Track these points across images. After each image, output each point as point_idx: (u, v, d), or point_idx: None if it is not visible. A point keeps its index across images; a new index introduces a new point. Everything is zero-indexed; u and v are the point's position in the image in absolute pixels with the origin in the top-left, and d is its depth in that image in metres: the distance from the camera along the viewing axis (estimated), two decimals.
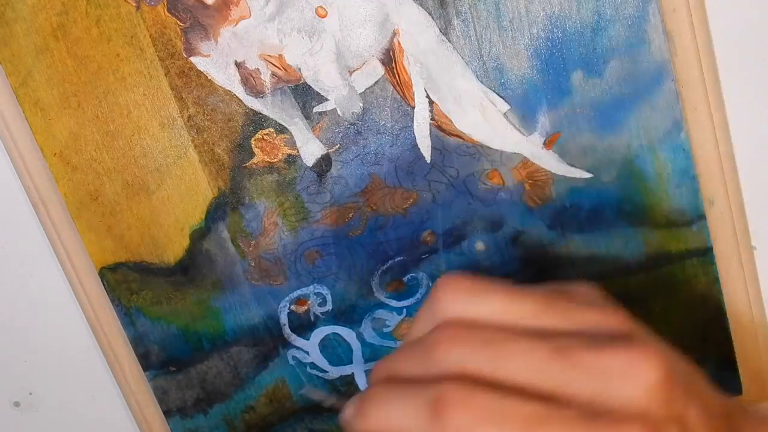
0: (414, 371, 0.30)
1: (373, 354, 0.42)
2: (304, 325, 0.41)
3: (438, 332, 0.30)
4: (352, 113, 0.37)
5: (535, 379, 0.28)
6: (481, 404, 0.27)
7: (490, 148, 0.38)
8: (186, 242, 0.39)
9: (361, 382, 0.42)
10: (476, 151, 0.38)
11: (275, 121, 0.37)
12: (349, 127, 0.37)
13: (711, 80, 0.37)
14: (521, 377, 0.28)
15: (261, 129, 0.37)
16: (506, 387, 0.28)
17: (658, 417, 0.28)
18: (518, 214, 0.39)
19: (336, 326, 0.41)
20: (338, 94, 0.37)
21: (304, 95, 0.37)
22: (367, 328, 0.41)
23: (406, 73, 0.36)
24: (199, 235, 0.39)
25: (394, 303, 0.41)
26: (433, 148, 0.38)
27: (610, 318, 0.30)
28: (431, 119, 0.37)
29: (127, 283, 0.40)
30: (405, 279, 0.40)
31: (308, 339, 0.42)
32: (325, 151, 0.38)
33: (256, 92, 0.37)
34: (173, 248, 0.39)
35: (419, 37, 0.36)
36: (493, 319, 0.30)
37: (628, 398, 0.27)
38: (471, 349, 0.29)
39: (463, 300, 0.30)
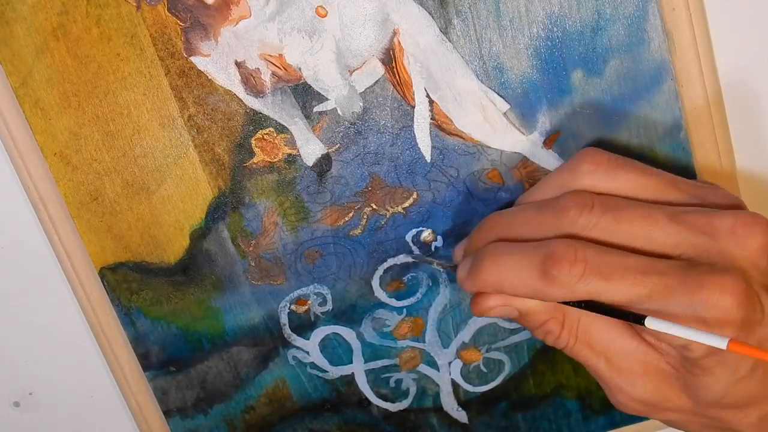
0: (532, 231, 0.32)
1: (373, 354, 0.42)
2: (304, 325, 0.41)
3: (570, 198, 0.31)
4: (353, 113, 0.37)
5: (650, 243, 0.30)
6: (589, 259, 0.29)
7: (490, 147, 0.38)
8: (186, 242, 0.39)
9: (361, 381, 0.42)
10: (476, 150, 0.38)
11: (275, 120, 0.37)
12: (349, 127, 0.37)
13: (711, 80, 0.37)
14: (637, 241, 0.30)
15: (261, 129, 0.37)
16: (620, 247, 0.30)
17: (759, 277, 0.29)
18: None
19: (336, 326, 0.41)
20: (338, 94, 0.37)
21: (305, 95, 0.37)
22: (367, 328, 0.41)
23: (406, 73, 0.36)
24: (199, 235, 0.39)
25: (394, 303, 0.41)
26: (433, 147, 0.38)
27: (728, 196, 0.32)
28: (431, 119, 0.37)
29: (127, 283, 0.40)
30: (405, 279, 0.40)
31: (308, 339, 0.42)
32: (326, 151, 0.38)
33: (257, 92, 0.37)
34: (173, 248, 0.39)
35: (419, 36, 0.36)
36: (623, 192, 0.32)
37: (732, 257, 0.29)
38: (597, 214, 0.30)
39: (600, 172, 0.32)
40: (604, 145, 0.37)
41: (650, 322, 0.28)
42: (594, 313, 0.31)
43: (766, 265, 0.29)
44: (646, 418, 0.43)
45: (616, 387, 0.33)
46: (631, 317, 0.29)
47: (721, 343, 0.26)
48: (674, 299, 0.28)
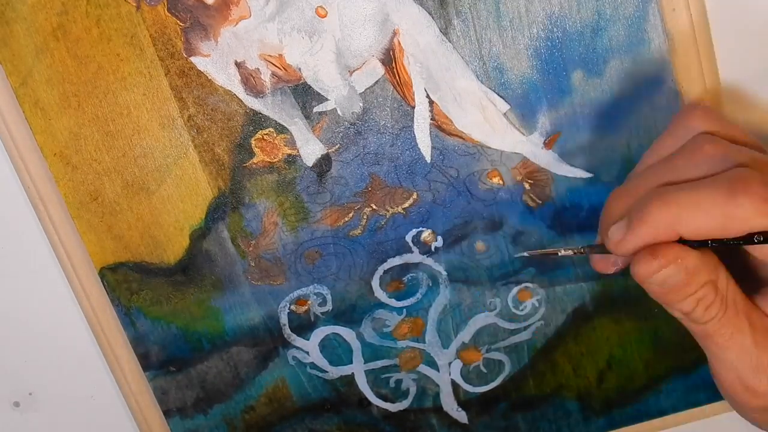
0: (687, 173, 0.30)
1: (373, 354, 0.42)
2: (304, 325, 0.41)
3: (697, 139, 0.30)
4: (352, 113, 0.37)
5: None
6: None
7: (490, 147, 0.38)
8: (186, 242, 0.39)
9: (361, 381, 0.42)
10: (476, 150, 0.38)
11: (275, 121, 0.37)
12: (349, 127, 0.37)
13: (711, 80, 0.37)
14: None
15: (261, 129, 0.37)
16: None
17: None
18: (518, 214, 0.39)
19: (336, 326, 0.41)
20: (338, 94, 0.37)
21: (304, 95, 0.37)
22: (367, 328, 0.41)
23: (406, 73, 0.36)
24: (199, 235, 0.39)
25: (394, 303, 0.41)
26: (433, 147, 0.38)
27: None
28: (431, 119, 0.37)
29: (127, 283, 0.40)
30: (405, 279, 0.40)
31: (308, 339, 0.42)
32: (325, 151, 0.38)
33: (256, 92, 0.37)
34: (173, 248, 0.39)
35: (419, 36, 0.36)
36: (737, 138, 0.30)
37: None
38: (734, 149, 0.29)
39: (713, 120, 0.31)
40: (603, 147, 0.37)
41: None
42: (735, 282, 0.29)
43: None
44: (647, 419, 0.43)
45: (763, 366, 0.30)
46: None
47: None
48: None
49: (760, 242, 0.28)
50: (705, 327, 0.30)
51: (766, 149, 0.31)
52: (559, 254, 0.35)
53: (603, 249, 0.32)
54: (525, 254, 0.38)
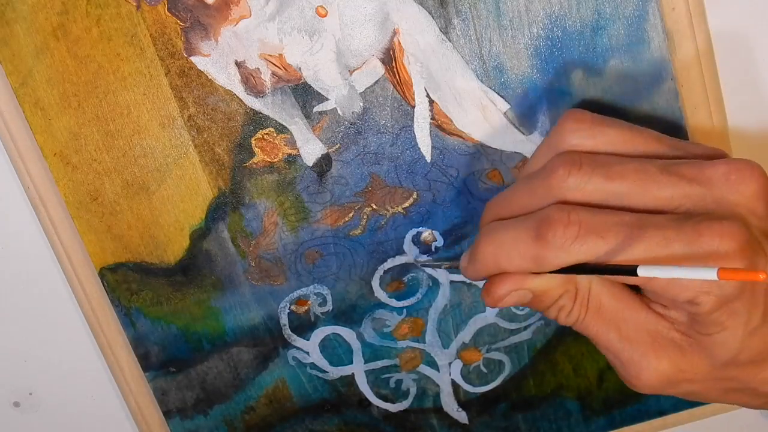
0: (526, 203, 0.32)
1: (373, 354, 0.42)
2: (304, 326, 0.41)
3: (556, 159, 0.31)
4: (353, 113, 0.37)
5: (643, 197, 0.29)
6: (583, 219, 0.29)
7: (491, 147, 0.38)
8: (186, 242, 0.39)
9: (361, 381, 0.42)
10: (476, 150, 0.38)
11: (275, 120, 0.37)
12: (349, 127, 0.37)
13: (711, 80, 0.37)
14: (631, 198, 0.30)
15: (261, 129, 0.37)
16: (614, 207, 0.30)
17: (758, 223, 0.29)
18: None
19: (336, 326, 0.41)
20: (338, 94, 0.37)
21: (305, 95, 0.37)
22: (367, 328, 0.41)
23: (407, 73, 0.36)
24: (199, 235, 0.39)
25: (394, 303, 0.41)
26: (434, 147, 0.38)
27: (712, 149, 0.32)
28: (431, 119, 0.37)
29: (127, 283, 0.40)
30: (405, 279, 0.40)
31: (308, 339, 0.42)
32: (326, 151, 0.38)
33: (257, 92, 0.37)
34: (173, 248, 0.39)
35: (419, 36, 0.36)
36: (609, 149, 0.31)
37: (729, 204, 0.29)
38: (587, 173, 0.30)
39: (584, 130, 0.32)
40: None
41: (642, 270, 0.27)
42: (603, 283, 0.31)
43: (763, 210, 0.29)
44: (647, 419, 0.43)
45: (629, 360, 0.32)
46: (624, 270, 0.28)
47: (710, 274, 0.25)
48: (673, 251, 0.28)
49: (589, 273, 0.30)
50: (573, 327, 0.33)
51: (641, 130, 0.32)
52: (443, 267, 0.39)
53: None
54: (415, 263, 0.40)
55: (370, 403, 0.43)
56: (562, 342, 0.41)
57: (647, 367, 0.31)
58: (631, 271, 0.27)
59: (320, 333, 0.41)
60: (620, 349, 0.32)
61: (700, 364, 0.31)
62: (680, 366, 0.31)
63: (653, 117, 0.37)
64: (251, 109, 0.37)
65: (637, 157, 0.31)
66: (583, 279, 0.32)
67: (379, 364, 0.42)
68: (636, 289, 0.33)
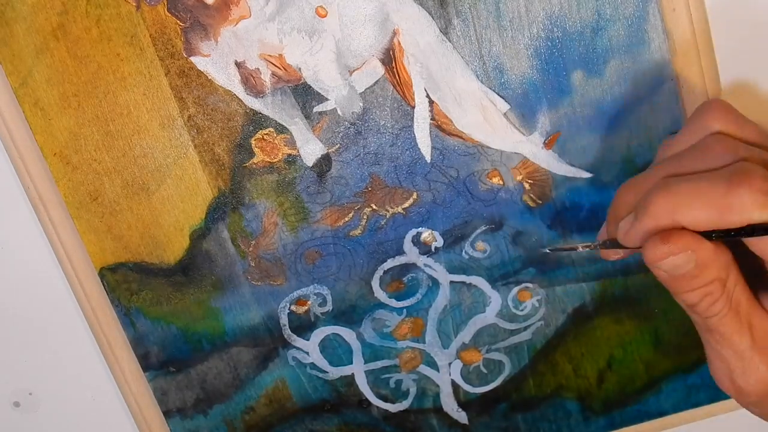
0: (693, 167, 0.30)
1: (373, 354, 0.42)
2: (304, 326, 0.41)
3: (714, 138, 0.30)
4: (352, 113, 0.37)
5: None
6: None
7: (490, 147, 0.38)
8: (186, 242, 0.39)
9: (361, 382, 0.42)
10: (476, 150, 0.38)
11: (275, 121, 0.37)
12: (349, 127, 0.37)
13: (711, 80, 0.37)
14: None
15: (261, 129, 0.37)
16: None
17: None
18: (518, 214, 0.39)
19: (336, 326, 0.41)
20: (338, 94, 0.37)
21: (304, 95, 0.37)
22: (367, 329, 0.41)
23: (406, 73, 0.36)
24: (199, 235, 0.39)
25: (394, 303, 0.41)
26: (433, 147, 0.38)
27: None
28: (431, 119, 0.37)
29: (127, 283, 0.40)
30: (405, 279, 0.40)
31: (308, 339, 0.42)
32: (325, 151, 0.38)
33: (256, 92, 0.37)
34: (173, 248, 0.39)
35: (419, 36, 0.36)
36: (751, 139, 0.31)
37: None
38: (743, 148, 0.29)
39: (731, 121, 0.31)
40: (603, 147, 0.37)
41: None
42: (744, 283, 0.30)
43: None
44: (647, 419, 0.43)
45: (754, 368, 0.31)
46: None
47: None
48: None
49: (760, 234, 0.28)
50: (706, 321, 0.31)
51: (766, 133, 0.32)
52: (579, 249, 0.35)
53: (615, 243, 0.32)
54: (546, 250, 0.39)
55: (370, 403, 0.43)
56: (562, 342, 0.41)
57: (765, 376, 0.31)
58: None
59: (320, 333, 0.41)
60: (749, 357, 0.31)
61: None
62: None
63: (653, 117, 0.37)
64: (251, 109, 0.37)
65: None
66: (734, 272, 0.30)
67: (379, 364, 0.42)
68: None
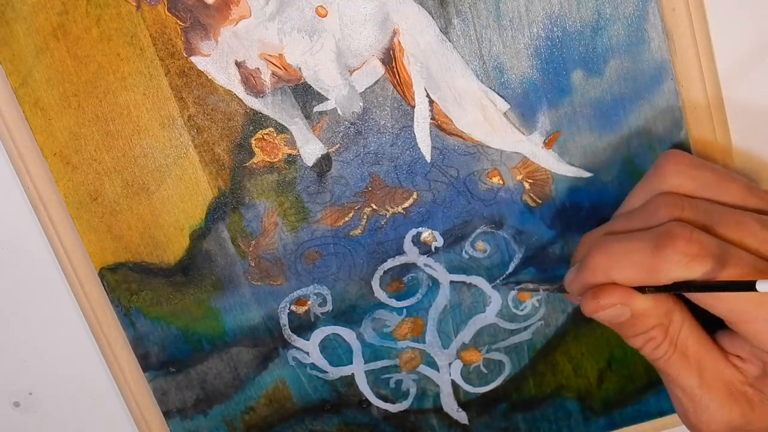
0: (633, 227, 0.32)
1: (373, 354, 0.42)
2: (304, 326, 0.41)
3: (659, 198, 0.32)
4: (353, 113, 0.37)
5: (744, 242, 0.30)
6: (703, 240, 0.29)
7: (490, 147, 0.38)
8: (186, 242, 0.39)
9: (361, 382, 0.42)
10: (476, 150, 0.38)
11: (275, 120, 0.37)
12: (349, 127, 0.37)
13: (711, 80, 0.37)
14: (734, 241, 0.30)
15: (261, 129, 0.37)
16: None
17: None
18: (518, 214, 0.39)
19: (336, 326, 0.41)
20: (338, 94, 0.37)
21: (305, 95, 0.37)
22: (367, 329, 0.41)
23: (407, 73, 0.36)
24: (199, 235, 0.39)
25: (394, 303, 0.41)
26: (433, 147, 0.38)
27: None
28: (431, 119, 0.37)
29: (127, 283, 0.40)
30: (405, 279, 0.40)
31: (308, 339, 0.42)
32: (326, 151, 0.38)
33: (257, 92, 0.37)
34: (173, 248, 0.39)
35: (419, 36, 0.36)
36: (706, 193, 0.32)
37: None
38: (690, 214, 0.31)
39: (684, 172, 0.32)
40: (603, 146, 0.37)
41: (762, 285, 0.26)
42: (693, 326, 0.32)
43: None
44: (647, 419, 0.43)
45: (703, 407, 0.32)
46: (741, 285, 0.28)
47: None
48: None
49: (686, 291, 0.30)
50: (654, 362, 0.33)
51: (735, 177, 0.33)
52: (540, 291, 0.39)
53: (563, 289, 0.35)
54: (516, 288, 0.40)
55: (370, 404, 0.43)
56: (562, 342, 0.41)
57: (720, 418, 0.32)
58: (749, 285, 0.27)
59: (320, 333, 0.41)
60: (698, 396, 0.32)
61: (765, 420, 0.32)
62: (749, 419, 0.32)
63: (653, 117, 0.37)
64: (251, 109, 0.37)
65: (733, 206, 0.32)
66: (677, 317, 0.32)
67: (379, 364, 0.42)
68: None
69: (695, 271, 0.29)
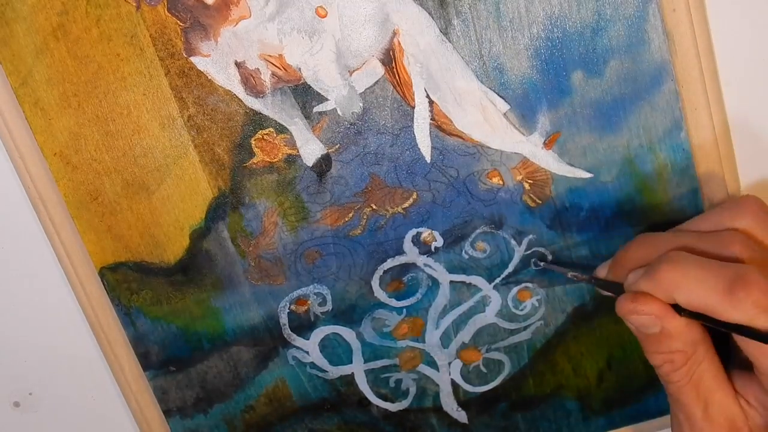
0: (702, 248, 0.33)
1: (372, 354, 0.42)
2: (304, 325, 0.41)
3: (736, 234, 0.32)
4: (352, 113, 0.37)
5: None
6: None
7: (490, 147, 0.38)
8: (186, 242, 0.39)
9: (361, 381, 0.42)
10: (476, 150, 0.38)
11: (275, 121, 0.37)
12: (349, 127, 0.37)
13: (711, 80, 0.37)
14: None
15: (261, 129, 0.37)
16: None
17: None
18: (518, 214, 0.39)
19: (336, 326, 0.41)
20: (338, 94, 0.37)
21: (304, 95, 0.37)
22: (367, 328, 0.41)
23: (406, 73, 0.36)
24: (199, 235, 0.39)
25: (394, 303, 0.41)
26: (433, 147, 0.38)
27: None
28: (431, 119, 0.37)
29: (127, 282, 0.40)
30: (405, 279, 0.40)
31: (308, 339, 0.42)
32: (325, 151, 0.38)
33: (256, 92, 0.37)
34: (173, 248, 0.39)
35: (419, 37, 0.36)
36: None
37: None
38: (760, 258, 0.31)
39: (763, 220, 0.33)
40: (603, 147, 0.37)
41: None
42: (713, 362, 0.33)
43: None
44: (647, 419, 0.43)
45: None
46: None
47: None
48: None
49: (721, 328, 0.31)
50: (666, 385, 0.34)
51: None
52: (569, 276, 0.38)
53: (607, 284, 0.36)
54: (540, 265, 0.40)
55: (369, 403, 0.43)
56: (562, 342, 0.42)
57: None
58: None
59: (320, 333, 0.41)
60: (699, 426, 0.33)
61: None
62: None
63: (653, 118, 0.37)
64: (251, 109, 0.37)
65: None
66: (701, 350, 0.33)
67: (379, 363, 0.42)
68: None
69: (759, 322, 0.29)
